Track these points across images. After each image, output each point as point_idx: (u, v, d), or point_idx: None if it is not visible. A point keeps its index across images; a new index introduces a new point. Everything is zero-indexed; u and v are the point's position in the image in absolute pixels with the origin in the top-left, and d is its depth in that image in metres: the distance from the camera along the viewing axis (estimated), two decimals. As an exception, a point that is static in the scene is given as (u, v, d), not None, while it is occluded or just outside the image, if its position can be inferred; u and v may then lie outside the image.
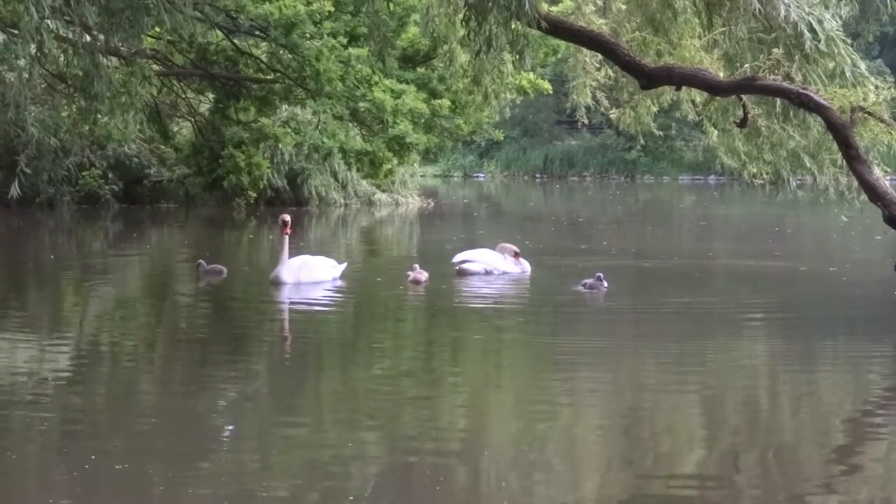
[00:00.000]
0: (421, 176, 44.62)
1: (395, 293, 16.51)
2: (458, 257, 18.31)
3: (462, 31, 15.12)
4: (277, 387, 10.62)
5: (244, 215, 30.87)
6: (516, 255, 18.36)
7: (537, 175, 64.27)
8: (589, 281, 16.10)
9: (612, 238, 27.20)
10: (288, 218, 16.96)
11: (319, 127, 31.79)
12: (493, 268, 18.03)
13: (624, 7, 16.51)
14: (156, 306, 15.84)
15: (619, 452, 8.47)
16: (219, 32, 29.69)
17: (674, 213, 41.07)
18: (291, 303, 15.52)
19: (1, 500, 7.19)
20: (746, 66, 14.67)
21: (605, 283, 16.01)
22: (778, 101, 15.02)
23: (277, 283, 16.36)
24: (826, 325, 14.38)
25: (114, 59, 18.68)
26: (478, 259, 18.21)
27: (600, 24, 16.05)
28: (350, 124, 31.98)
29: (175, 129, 34.13)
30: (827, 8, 14.84)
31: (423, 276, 16.85)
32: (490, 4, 13.76)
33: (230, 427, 8.94)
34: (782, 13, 14.03)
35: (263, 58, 31.27)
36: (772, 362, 12.07)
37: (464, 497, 7.46)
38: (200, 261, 17.61)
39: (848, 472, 8.08)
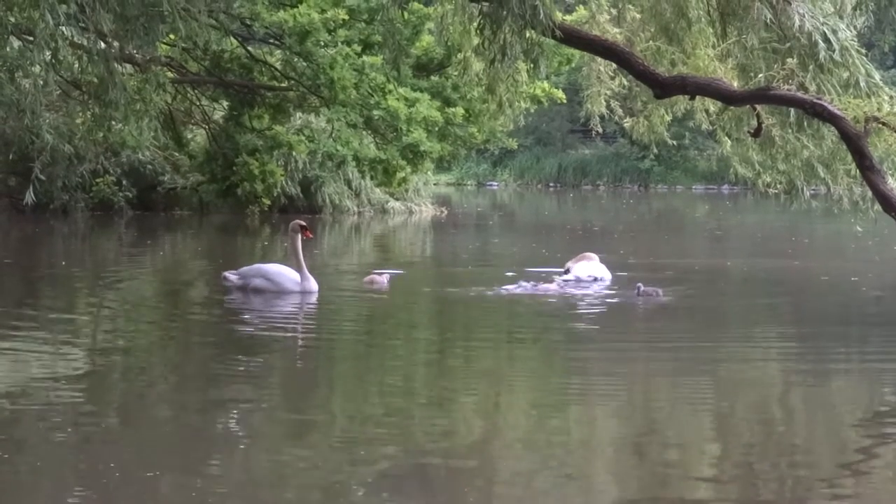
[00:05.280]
0: (434, 184, 44.58)
1: (408, 298, 16.51)
2: (571, 274, 17.54)
3: (476, 40, 15.15)
4: (291, 393, 10.62)
5: (258, 223, 30.92)
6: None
7: (551, 184, 64.27)
8: (644, 288, 15.94)
9: (628, 246, 27.15)
10: (303, 222, 16.67)
11: (333, 135, 31.82)
12: (601, 277, 17.51)
13: (638, 16, 16.57)
14: (169, 313, 15.85)
15: (632, 466, 8.45)
16: (233, 40, 29.81)
17: (688, 222, 41.02)
18: (306, 310, 15.52)
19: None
20: (760, 75, 14.68)
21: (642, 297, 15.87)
22: (792, 110, 15.02)
23: (307, 292, 16.02)
24: (857, 334, 14.30)
25: (128, 66, 18.76)
26: (589, 272, 17.56)
27: (614, 34, 16.11)
28: (364, 132, 32.00)
29: (189, 136, 34.20)
30: (842, 18, 14.86)
31: (382, 279, 16.88)
32: (505, 13, 13.79)
33: (243, 434, 8.95)
34: (797, 23, 14.04)
35: (278, 65, 31.33)
36: (802, 373, 12.04)
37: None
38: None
39: (860, 485, 8.04)
